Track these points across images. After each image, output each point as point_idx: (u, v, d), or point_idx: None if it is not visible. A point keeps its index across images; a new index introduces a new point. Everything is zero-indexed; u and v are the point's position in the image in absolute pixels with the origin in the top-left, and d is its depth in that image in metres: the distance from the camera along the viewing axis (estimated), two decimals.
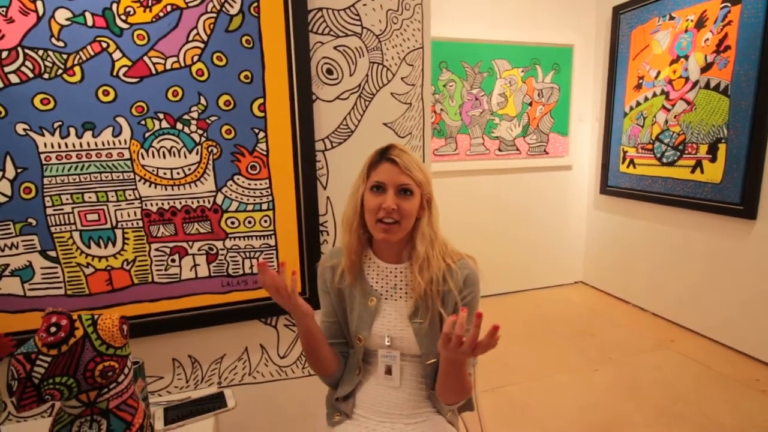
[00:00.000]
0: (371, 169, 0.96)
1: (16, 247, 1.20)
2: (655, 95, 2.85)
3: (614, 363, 2.34)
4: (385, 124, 1.53)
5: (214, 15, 1.25)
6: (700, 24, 2.55)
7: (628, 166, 3.08)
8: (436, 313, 0.96)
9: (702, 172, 2.57)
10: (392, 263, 1.01)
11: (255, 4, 1.28)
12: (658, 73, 2.82)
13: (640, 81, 2.95)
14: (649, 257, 3.01)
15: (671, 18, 2.72)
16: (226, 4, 1.26)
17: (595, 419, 1.89)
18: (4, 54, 1.12)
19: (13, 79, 1.13)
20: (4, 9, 1.10)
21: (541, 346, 2.55)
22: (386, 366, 0.97)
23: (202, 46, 1.26)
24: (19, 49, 1.12)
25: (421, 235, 0.95)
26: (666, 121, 2.78)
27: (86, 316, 0.58)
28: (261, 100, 1.33)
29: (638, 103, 2.98)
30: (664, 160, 2.80)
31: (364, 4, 1.43)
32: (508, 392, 2.08)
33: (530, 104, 3.20)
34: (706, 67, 2.52)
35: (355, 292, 1.01)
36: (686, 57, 2.64)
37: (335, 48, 1.42)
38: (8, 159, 1.15)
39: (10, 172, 1.16)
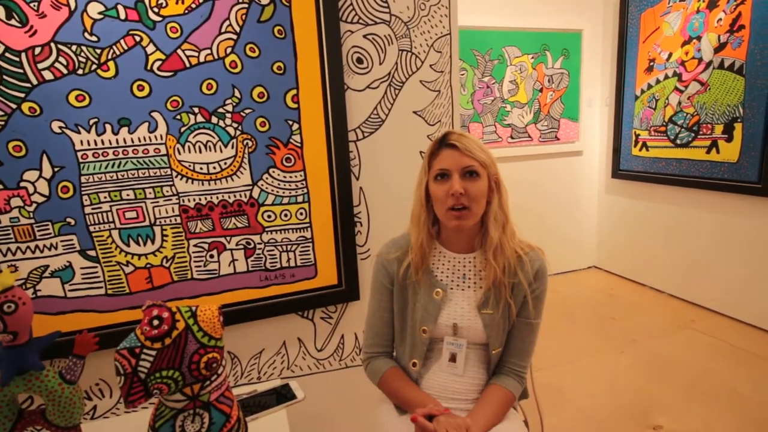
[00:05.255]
0: (432, 158, 0.94)
1: (56, 248, 1.18)
2: (667, 77, 2.84)
3: (638, 345, 2.36)
4: (415, 113, 1.51)
5: (246, 5, 1.23)
6: (712, 4, 2.54)
7: (640, 149, 3.08)
8: (506, 303, 0.95)
9: (718, 152, 2.57)
10: (462, 253, 1.00)
11: None
12: (670, 54, 2.81)
13: (651, 63, 2.94)
14: (664, 239, 3.02)
15: None
16: None
17: (627, 400, 1.90)
18: (38, 50, 1.09)
19: (47, 75, 1.10)
20: (36, 4, 1.07)
21: (563, 331, 2.56)
22: (451, 354, 0.96)
23: (234, 37, 1.23)
24: (53, 44, 1.10)
25: (493, 220, 0.93)
26: (679, 103, 2.77)
27: (185, 308, 0.57)
28: (294, 92, 1.32)
29: (650, 86, 2.97)
30: (678, 141, 2.80)
31: None
32: (537, 377, 2.07)
33: (541, 90, 3.19)
34: (720, 47, 2.51)
35: (421, 285, 0.99)
36: (698, 38, 2.63)
37: (365, 36, 1.40)
38: (45, 158, 1.13)
39: (47, 171, 1.14)
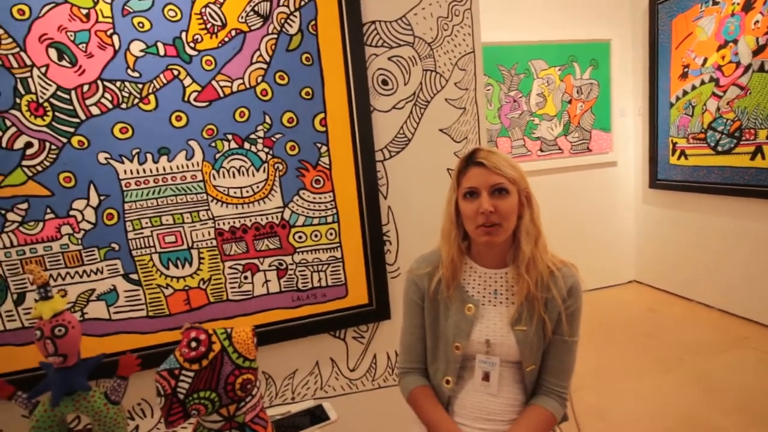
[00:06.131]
0: (461, 176, 0.94)
1: (101, 272, 1.24)
2: (703, 83, 2.75)
3: (686, 364, 2.23)
4: (440, 131, 1.52)
5: (275, 36, 1.29)
6: (747, 7, 2.45)
7: (678, 158, 2.97)
8: (540, 320, 0.93)
9: (763, 158, 2.44)
10: (493, 268, 0.98)
11: (313, 22, 1.31)
12: (705, 60, 2.72)
13: (686, 69, 2.85)
14: (710, 251, 2.87)
15: (715, 3, 2.63)
16: (286, 25, 1.29)
17: (674, 423, 1.79)
18: (86, 87, 1.17)
19: (94, 111, 1.18)
20: (84, 45, 1.16)
21: (605, 349, 2.46)
22: (484, 372, 0.94)
23: (265, 66, 1.29)
24: (99, 82, 1.18)
25: (525, 234, 0.92)
26: (718, 108, 2.67)
27: (220, 330, 0.59)
28: (322, 115, 1.35)
29: (685, 93, 2.88)
30: (720, 148, 2.69)
31: (415, 14, 1.44)
32: (579, 397, 2.00)
33: (570, 102, 3.14)
34: (759, 50, 2.41)
35: (452, 301, 0.98)
36: (735, 41, 2.54)
37: (389, 59, 1.43)
38: (92, 187, 1.21)
39: (94, 199, 1.21)
